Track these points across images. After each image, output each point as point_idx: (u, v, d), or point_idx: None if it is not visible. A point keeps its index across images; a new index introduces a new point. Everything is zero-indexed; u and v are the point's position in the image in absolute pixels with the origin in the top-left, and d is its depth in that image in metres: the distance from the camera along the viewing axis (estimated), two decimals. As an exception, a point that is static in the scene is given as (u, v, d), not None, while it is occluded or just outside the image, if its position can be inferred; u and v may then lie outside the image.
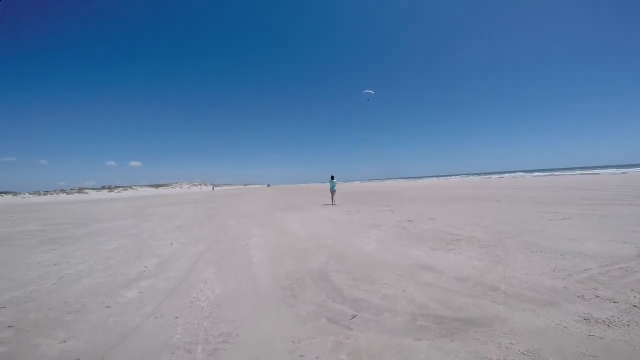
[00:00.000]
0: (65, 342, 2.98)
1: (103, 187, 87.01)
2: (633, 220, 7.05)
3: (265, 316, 3.24)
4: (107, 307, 3.72)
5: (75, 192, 74.51)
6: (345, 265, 4.85)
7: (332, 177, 17.20)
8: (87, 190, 79.04)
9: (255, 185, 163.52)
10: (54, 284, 4.69)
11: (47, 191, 75.89)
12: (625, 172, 39.51)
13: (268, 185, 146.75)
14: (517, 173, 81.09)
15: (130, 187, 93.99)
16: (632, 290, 3.37)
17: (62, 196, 66.52)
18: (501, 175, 71.16)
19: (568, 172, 57.64)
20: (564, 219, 7.75)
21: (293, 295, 3.76)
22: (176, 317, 3.30)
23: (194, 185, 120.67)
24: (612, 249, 4.92)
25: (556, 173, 60.37)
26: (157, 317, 3.35)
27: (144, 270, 5.11)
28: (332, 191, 16.97)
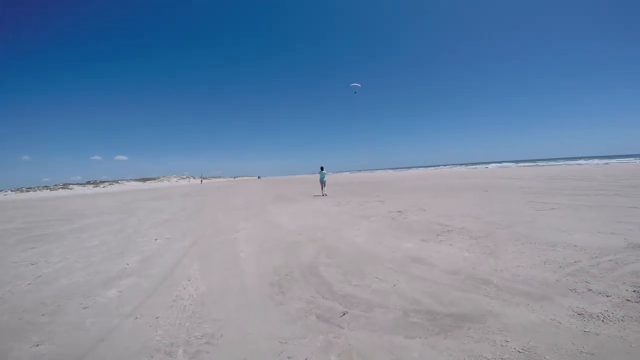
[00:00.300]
0: (38, 345, 2.80)
1: (88, 183, 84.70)
2: (620, 211, 7.11)
3: (252, 315, 3.09)
4: (84, 307, 3.53)
5: (59, 188, 72.18)
6: (336, 259, 4.73)
7: (322, 168, 17.02)
8: (71, 186, 76.69)
9: (245, 178, 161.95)
10: (29, 284, 4.45)
11: (30, 188, 73.36)
12: (607, 163, 40.47)
13: (258, 178, 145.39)
14: (503, 163, 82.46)
15: (117, 181, 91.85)
16: (624, 283, 3.31)
17: (46, 192, 64.46)
18: (487, 166, 72.16)
19: (552, 163, 58.78)
20: (553, 209, 7.79)
21: (281, 291, 3.62)
22: (157, 318, 3.13)
23: (182, 178, 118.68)
24: (601, 240, 4.90)
25: (540, 163, 61.51)
26: (136, 318, 3.17)
27: (126, 268, 4.90)
28: (322, 182, 16.83)
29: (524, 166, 52.12)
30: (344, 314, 2.96)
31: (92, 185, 79.81)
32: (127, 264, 5.09)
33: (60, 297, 3.87)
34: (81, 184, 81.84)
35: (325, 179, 16.88)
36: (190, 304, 3.40)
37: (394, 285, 3.58)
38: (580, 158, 75.52)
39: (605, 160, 50.34)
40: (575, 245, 4.68)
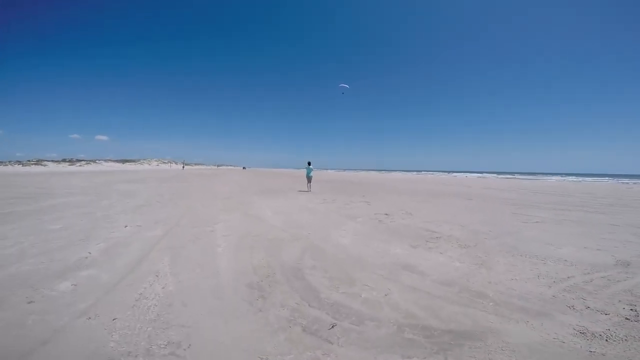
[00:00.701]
0: (-37, 346, 2.32)
1: (64, 160, 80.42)
2: (602, 227, 7.19)
3: (227, 322, 2.70)
4: (30, 302, 3.03)
5: (32, 164, 68.08)
6: (322, 261, 4.39)
7: (309, 163, 16.67)
8: (45, 163, 72.52)
9: (230, 167, 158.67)
10: (-32, 270, 3.86)
11: (0, 162, 68.87)
12: (580, 181, 42.07)
13: (244, 168, 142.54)
14: (484, 174, 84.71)
15: (94, 161, 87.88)
16: (620, 301, 3.25)
17: (17, 168, 60.61)
18: (467, 175, 73.79)
19: (531, 177, 60.63)
20: (537, 222, 7.80)
21: (262, 295, 3.23)
22: (114, 319, 2.69)
23: (164, 162, 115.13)
24: (589, 256, 4.86)
25: (519, 176, 63.43)
26: (90, 318, 2.72)
27: (87, 257, 4.36)
28: (308, 177, 16.49)
29: (504, 178, 53.53)
30: (332, 326, 2.63)
31: (67, 163, 75.84)
32: (89, 253, 4.55)
33: (3, 287, 3.34)
34: (56, 161, 77.57)
35: (311, 174, 16.54)
36: (156, 305, 2.96)
37: (386, 295, 3.29)
38: (556, 174, 78.60)
39: (580, 178, 52.59)
40: (566, 260, 4.62)
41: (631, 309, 3.06)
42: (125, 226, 6.40)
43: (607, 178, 54.01)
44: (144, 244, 5.12)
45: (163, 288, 3.35)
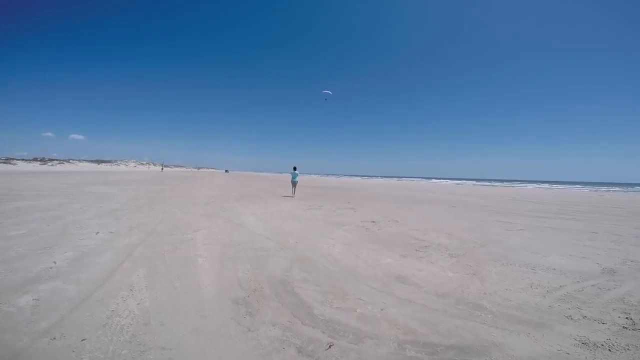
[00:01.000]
0: None
1: (35, 159, 76.11)
2: (582, 235, 7.37)
3: (212, 343, 2.43)
4: (-19, 320, 2.64)
5: (0, 163, 63.96)
6: (312, 273, 4.17)
7: (295, 168, 16.44)
8: (15, 161, 68.32)
9: (211, 170, 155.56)
10: None
11: (-38, 160, 64.23)
12: (551, 188, 43.90)
13: (226, 171, 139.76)
14: (461, 180, 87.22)
15: (68, 160, 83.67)
16: (614, 309, 3.27)
17: (-17, 166, 56.70)
18: (445, 181, 75.70)
19: (507, 184, 62.73)
20: (521, 230, 7.91)
21: (249, 312, 2.97)
22: (83, 340, 2.37)
23: (142, 164, 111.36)
24: (575, 264, 4.92)
25: (495, 184, 65.60)
26: (54, 338, 2.39)
27: (51, 268, 3.93)
28: (293, 182, 16.26)
29: (482, 185, 55.10)
30: (330, 346, 2.42)
31: (39, 162, 71.80)
32: (55, 263, 4.11)
33: (-50, 303, 2.92)
34: (27, 160, 73.27)
35: (297, 179, 16.32)
36: (130, 324, 2.64)
37: (382, 310, 3.11)
38: (531, 181, 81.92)
39: (554, 186, 55.03)
40: (554, 269, 4.65)
41: (627, 318, 3.08)
42: (97, 233, 5.92)
43: (578, 186, 56.82)
44: (117, 253, 4.70)
45: (138, 304, 3.01)
